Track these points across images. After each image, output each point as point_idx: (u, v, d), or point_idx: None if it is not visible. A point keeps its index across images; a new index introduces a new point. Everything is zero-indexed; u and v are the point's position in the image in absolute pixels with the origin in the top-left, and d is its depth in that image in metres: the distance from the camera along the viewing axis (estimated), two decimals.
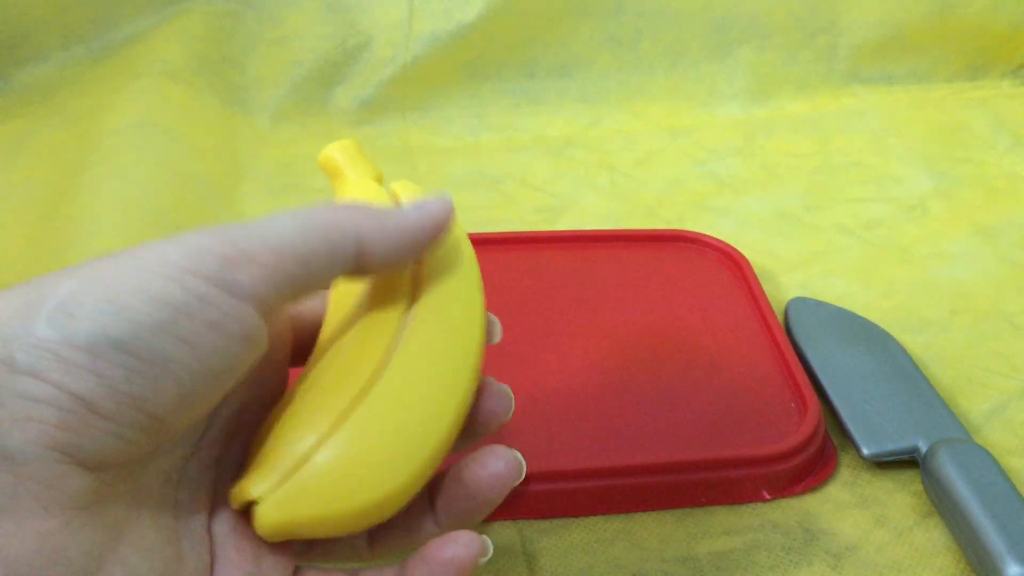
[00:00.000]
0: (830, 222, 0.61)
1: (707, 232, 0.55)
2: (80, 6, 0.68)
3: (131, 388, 0.21)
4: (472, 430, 0.28)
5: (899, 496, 0.40)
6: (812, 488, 0.40)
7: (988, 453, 0.39)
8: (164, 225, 0.53)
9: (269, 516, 0.24)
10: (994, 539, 0.35)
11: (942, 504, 0.38)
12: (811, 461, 0.40)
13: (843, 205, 0.62)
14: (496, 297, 0.48)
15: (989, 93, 0.77)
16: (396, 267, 0.26)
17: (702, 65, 0.75)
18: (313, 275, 0.24)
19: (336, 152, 0.32)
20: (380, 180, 0.32)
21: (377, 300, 0.27)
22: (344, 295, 0.29)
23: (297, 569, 0.27)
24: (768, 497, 0.39)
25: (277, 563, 0.26)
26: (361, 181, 0.31)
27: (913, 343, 0.49)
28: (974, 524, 0.36)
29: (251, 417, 0.27)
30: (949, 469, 0.38)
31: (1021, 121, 0.73)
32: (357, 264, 0.25)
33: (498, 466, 0.27)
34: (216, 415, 0.26)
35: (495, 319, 0.30)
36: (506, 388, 0.29)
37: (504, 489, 0.27)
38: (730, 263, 0.53)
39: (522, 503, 0.38)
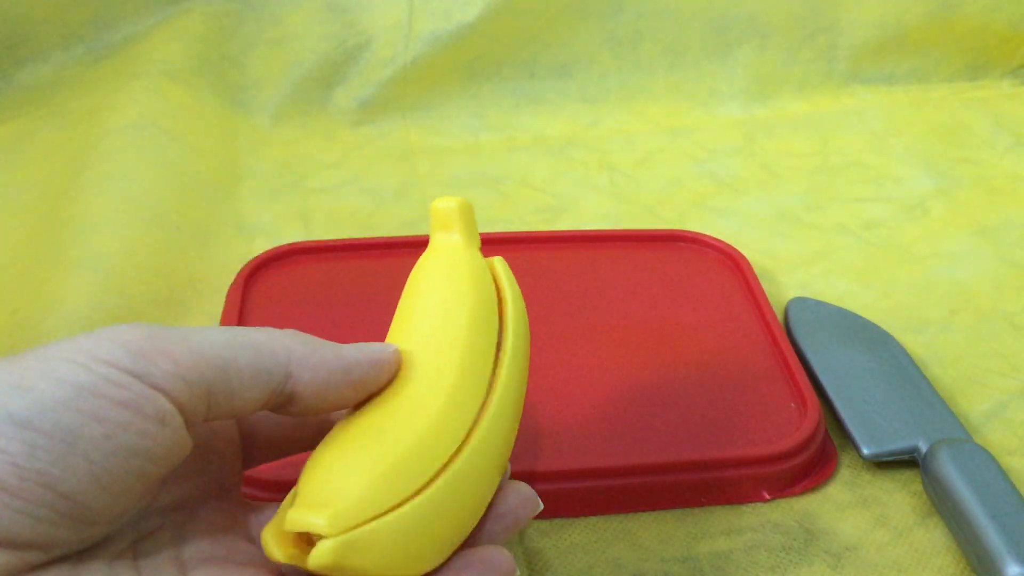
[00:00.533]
0: (830, 222, 0.61)
1: (707, 232, 0.55)
2: (80, 6, 0.68)
3: (34, 463, 0.21)
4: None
5: (899, 496, 0.40)
6: (812, 488, 0.40)
7: (988, 453, 0.39)
8: (164, 225, 0.53)
9: (328, 556, 0.24)
10: (994, 539, 0.35)
11: (942, 504, 0.38)
12: (811, 461, 0.40)
13: (843, 205, 0.62)
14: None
15: (989, 93, 0.77)
16: (327, 405, 0.26)
17: (702, 65, 0.75)
18: (234, 389, 0.24)
19: (455, 210, 0.31)
20: (478, 242, 0.32)
21: (471, 343, 0.28)
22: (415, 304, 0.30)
23: None
24: (768, 497, 0.39)
25: None
26: (468, 247, 0.31)
27: (913, 343, 0.49)
28: (974, 524, 0.36)
29: (200, 520, 0.27)
30: (949, 469, 0.38)
31: (1021, 121, 0.73)
32: (284, 390, 0.25)
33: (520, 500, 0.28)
34: (156, 502, 0.26)
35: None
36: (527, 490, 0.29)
37: (520, 524, 0.28)
38: (730, 263, 0.53)
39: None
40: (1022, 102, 0.76)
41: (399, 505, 0.25)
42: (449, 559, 0.26)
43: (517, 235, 0.54)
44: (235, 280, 0.48)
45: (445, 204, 0.31)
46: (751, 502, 0.39)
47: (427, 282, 0.30)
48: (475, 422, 0.27)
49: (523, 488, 0.29)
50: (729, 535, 0.38)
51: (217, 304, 0.47)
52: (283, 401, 0.25)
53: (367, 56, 0.70)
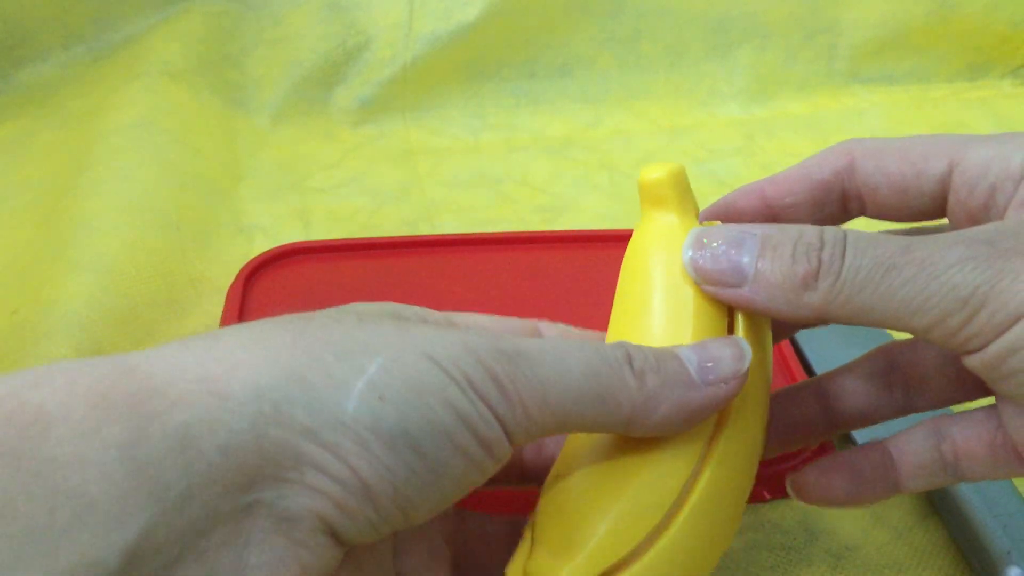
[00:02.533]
0: None
1: None
2: (80, 6, 0.68)
3: (408, 489, 0.21)
4: None
5: (899, 496, 0.40)
6: None
7: None
8: (164, 225, 0.52)
9: None
10: (994, 539, 0.35)
11: (942, 504, 0.38)
12: (811, 461, 0.40)
13: None
14: (496, 297, 0.48)
15: (989, 93, 0.77)
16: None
17: (702, 65, 0.75)
18: (566, 430, 0.24)
19: (666, 181, 0.28)
20: (696, 214, 0.29)
21: None
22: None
23: None
24: (768, 497, 0.39)
25: None
26: (684, 224, 0.28)
27: None
28: (974, 524, 0.36)
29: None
30: None
31: (1021, 121, 0.73)
32: (620, 431, 0.25)
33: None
34: None
35: None
36: None
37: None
38: None
39: (522, 502, 0.38)
40: (1022, 102, 0.76)
41: (643, 546, 0.24)
42: None
43: (517, 235, 0.54)
44: (235, 280, 0.48)
45: (655, 176, 0.28)
46: (751, 502, 0.39)
47: (643, 276, 0.28)
48: (712, 438, 0.26)
49: None
50: None
51: (217, 304, 0.47)
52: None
53: (367, 56, 0.70)
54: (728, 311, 0.27)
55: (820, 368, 0.45)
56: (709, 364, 0.25)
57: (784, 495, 0.40)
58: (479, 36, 0.70)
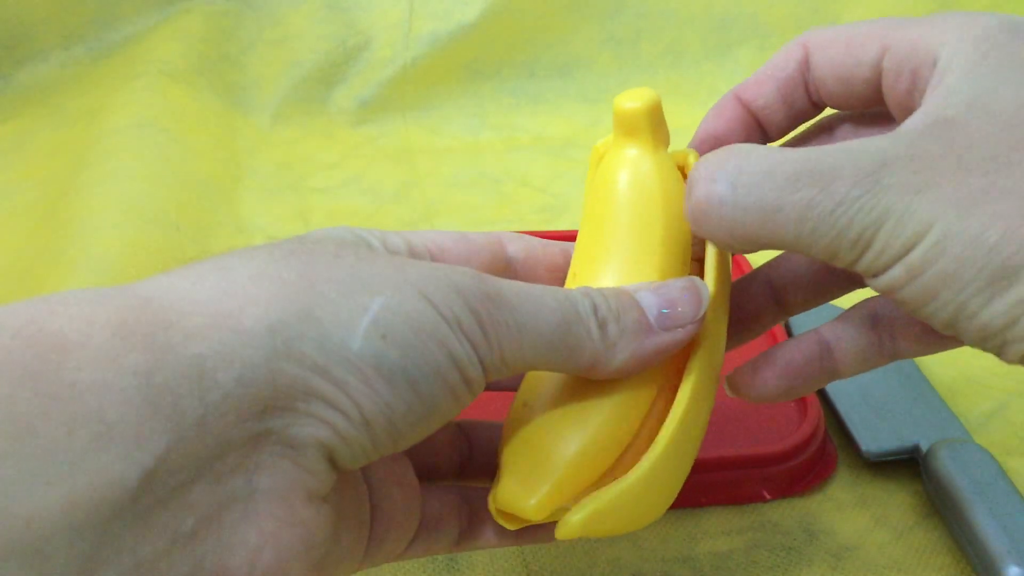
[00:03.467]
0: None
1: None
2: (80, 6, 0.68)
3: (403, 424, 0.22)
4: None
5: (899, 496, 0.40)
6: (812, 488, 0.40)
7: (988, 453, 0.39)
8: (164, 225, 0.53)
9: (575, 529, 0.25)
10: (994, 539, 0.35)
11: (942, 504, 0.38)
12: (811, 461, 0.40)
13: None
14: None
15: None
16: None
17: (702, 65, 0.75)
18: (527, 371, 0.25)
19: (642, 112, 0.29)
20: (667, 143, 0.30)
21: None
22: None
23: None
24: (768, 497, 0.39)
25: (414, 495, 0.28)
26: (655, 155, 0.29)
27: None
28: (974, 524, 0.36)
29: None
30: (949, 469, 0.38)
31: None
32: (581, 374, 0.26)
33: None
34: None
35: None
36: None
37: None
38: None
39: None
40: None
41: (606, 477, 0.26)
42: None
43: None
44: None
45: (631, 105, 0.29)
46: (751, 502, 0.39)
47: (613, 206, 0.29)
48: (674, 372, 0.27)
49: None
50: (729, 535, 0.38)
51: None
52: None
53: (367, 56, 0.70)
54: (692, 243, 0.28)
55: None
56: (666, 311, 0.26)
57: (784, 495, 0.40)
58: (479, 36, 0.70)
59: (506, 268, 0.31)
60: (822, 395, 0.44)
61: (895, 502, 0.40)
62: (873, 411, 0.42)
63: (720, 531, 0.38)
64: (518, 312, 0.24)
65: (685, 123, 0.76)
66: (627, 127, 0.29)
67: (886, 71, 0.27)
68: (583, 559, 0.36)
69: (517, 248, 0.31)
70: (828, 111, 0.30)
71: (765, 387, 0.29)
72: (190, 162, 0.60)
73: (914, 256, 0.23)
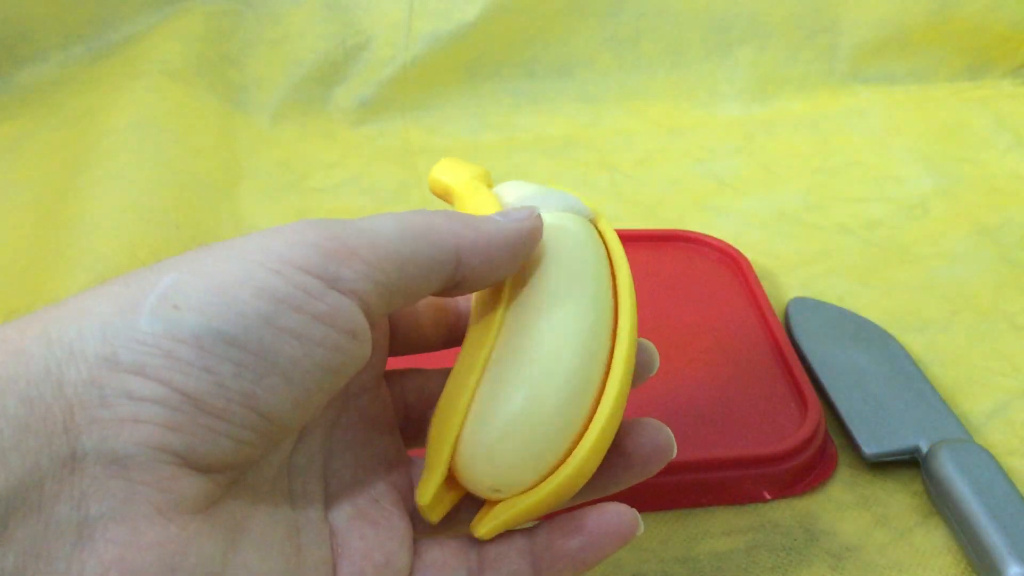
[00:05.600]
0: (830, 222, 0.60)
1: (707, 232, 0.55)
2: (80, 6, 0.68)
3: (241, 384, 0.20)
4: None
5: (899, 496, 0.40)
6: (813, 488, 0.40)
7: (988, 453, 0.39)
8: (164, 225, 0.52)
9: (487, 535, 0.26)
10: (994, 539, 0.35)
11: (943, 504, 0.38)
12: (811, 461, 0.40)
13: (843, 205, 0.62)
14: None
15: (990, 93, 0.77)
16: (492, 280, 0.26)
17: (702, 65, 0.75)
18: (411, 281, 0.23)
19: (441, 175, 0.32)
20: (488, 180, 0.32)
21: (486, 306, 0.28)
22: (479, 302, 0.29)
23: (417, 543, 0.26)
24: (768, 497, 0.39)
25: (402, 546, 0.25)
26: (473, 196, 0.31)
27: (913, 343, 0.49)
28: (974, 524, 0.36)
29: (352, 410, 0.27)
30: (949, 469, 0.38)
31: (1022, 121, 0.73)
32: (454, 277, 0.24)
33: (659, 438, 0.28)
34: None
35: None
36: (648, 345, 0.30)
37: (662, 462, 0.28)
38: (730, 263, 0.53)
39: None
40: (1022, 102, 0.76)
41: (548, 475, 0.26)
42: (571, 513, 0.27)
43: None
44: None
45: (431, 179, 0.32)
46: (751, 502, 0.39)
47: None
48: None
49: (657, 431, 0.28)
50: (729, 535, 0.38)
51: None
52: (451, 287, 0.25)
53: (367, 56, 0.70)
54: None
55: (813, 356, 0.45)
56: (511, 212, 0.26)
57: (784, 495, 0.40)
58: (479, 36, 0.70)
59: (458, 318, 0.30)
60: (822, 395, 0.44)
61: (895, 502, 0.40)
62: (873, 411, 0.42)
63: (720, 531, 0.38)
64: (360, 221, 0.23)
65: (685, 123, 0.76)
66: (440, 194, 0.32)
67: None
68: None
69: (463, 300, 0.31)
70: None
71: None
72: (190, 162, 0.60)
73: None
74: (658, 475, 0.38)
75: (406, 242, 0.23)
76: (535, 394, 0.26)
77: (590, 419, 0.26)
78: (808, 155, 0.69)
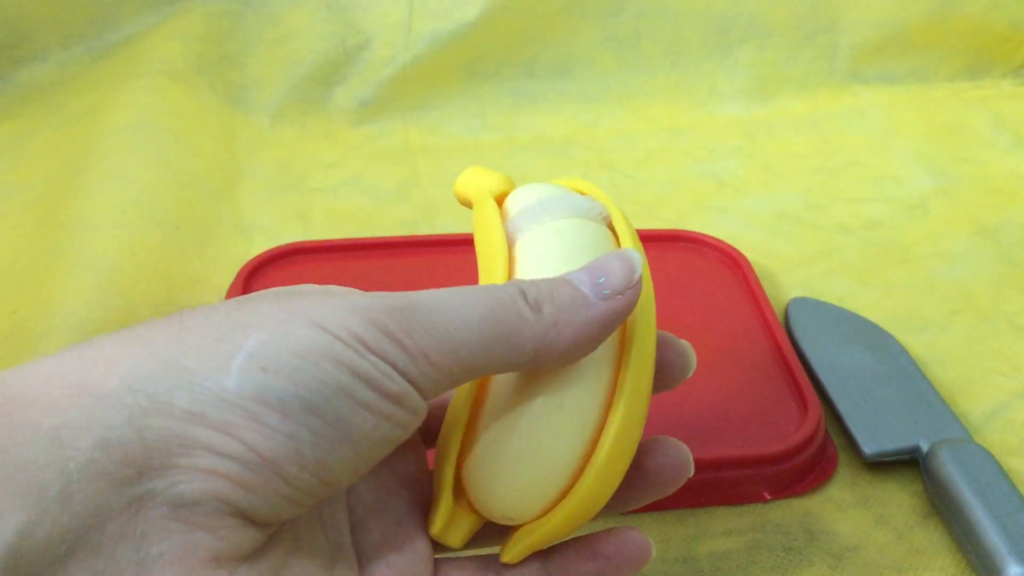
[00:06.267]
0: (830, 222, 0.60)
1: (707, 232, 0.55)
2: (80, 6, 0.68)
3: (316, 453, 0.21)
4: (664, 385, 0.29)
5: (899, 496, 0.40)
6: (813, 488, 0.40)
7: (988, 453, 0.39)
8: (164, 225, 0.52)
9: (514, 559, 0.26)
10: (994, 539, 0.35)
11: (943, 504, 0.38)
12: (812, 461, 0.40)
13: (843, 205, 0.62)
14: None
15: (990, 93, 0.77)
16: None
17: (702, 65, 0.75)
18: (476, 374, 0.24)
19: (462, 187, 0.33)
20: (510, 186, 0.32)
21: None
22: None
23: (436, 563, 0.27)
24: (768, 497, 0.39)
25: (425, 570, 0.26)
26: (482, 222, 0.31)
27: (913, 343, 0.49)
28: (975, 524, 0.36)
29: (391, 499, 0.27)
30: (950, 469, 0.38)
31: (1022, 121, 0.73)
32: (531, 367, 0.25)
33: (678, 458, 0.28)
34: None
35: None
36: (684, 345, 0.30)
37: (680, 481, 0.28)
38: (730, 263, 0.53)
39: None
40: (1022, 102, 0.76)
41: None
42: (587, 538, 0.27)
43: None
44: (235, 280, 0.48)
45: (455, 192, 0.33)
46: (751, 502, 0.39)
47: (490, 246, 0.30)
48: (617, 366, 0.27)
49: (676, 451, 0.28)
50: (729, 535, 0.38)
51: None
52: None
53: (367, 56, 0.70)
54: None
55: (813, 356, 0.45)
56: (601, 280, 0.25)
57: (784, 495, 0.40)
58: (479, 36, 0.70)
59: None
60: (822, 395, 0.44)
61: (895, 502, 0.40)
62: (873, 411, 0.42)
63: (720, 531, 0.38)
64: (435, 313, 0.23)
65: (685, 123, 0.76)
66: (464, 203, 0.33)
67: None
68: None
69: None
70: None
71: None
72: (190, 162, 0.60)
73: None
74: None
75: (483, 346, 0.23)
76: (536, 422, 0.25)
77: (597, 441, 0.26)
78: (808, 155, 0.69)
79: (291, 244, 0.51)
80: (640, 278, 0.25)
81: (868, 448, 0.41)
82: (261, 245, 0.53)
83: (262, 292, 0.24)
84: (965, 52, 0.78)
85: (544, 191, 0.30)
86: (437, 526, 0.26)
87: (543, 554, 0.27)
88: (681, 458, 0.28)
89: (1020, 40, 0.78)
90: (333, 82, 0.70)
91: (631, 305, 0.25)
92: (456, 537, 0.27)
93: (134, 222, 0.51)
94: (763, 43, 0.75)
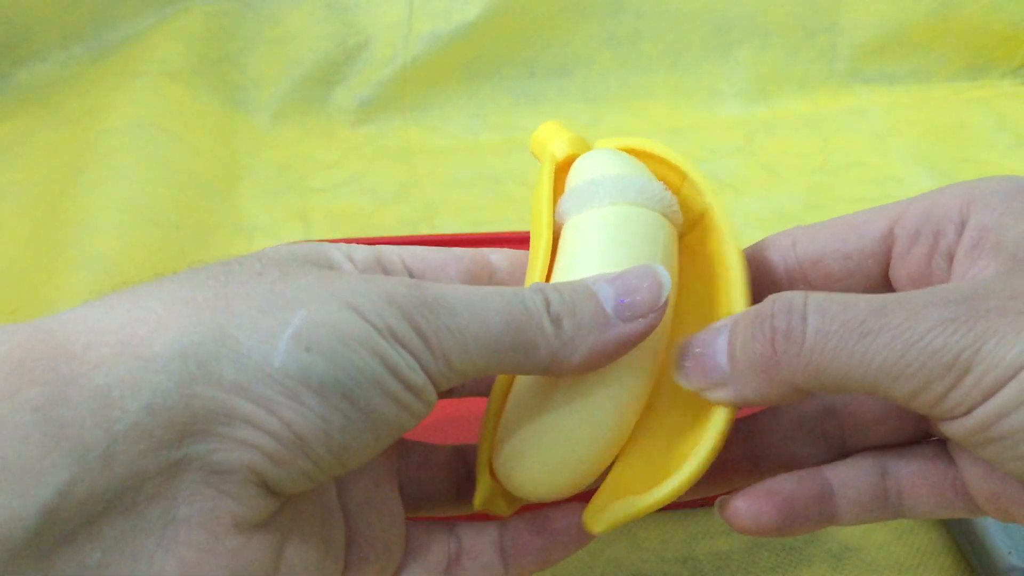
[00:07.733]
0: None
1: None
2: (80, 6, 0.68)
3: (344, 437, 0.22)
4: None
5: None
6: None
7: None
8: (164, 225, 0.52)
9: (599, 530, 0.27)
10: (995, 539, 0.35)
11: None
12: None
13: (843, 205, 0.62)
14: None
15: (990, 93, 0.77)
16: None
17: (702, 64, 0.75)
18: (487, 375, 0.25)
19: (536, 146, 0.33)
20: (582, 147, 0.33)
21: None
22: None
23: (408, 525, 0.28)
24: None
25: (399, 532, 0.27)
26: (544, 187, 0.32)
27: None
28: (974, 524, 0.36)
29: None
30: None
31: (1022, 121, 0.73)
32: (540, 374, 0.26)
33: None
34: None
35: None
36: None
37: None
38: None
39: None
40: (1022, 102, 0.76)
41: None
42: (541, 511, 0.29)
43: (517, 235, 0.54)
44: None
45: (532, 140, 0.33)
46: None
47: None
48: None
49: None
50: (729, 535, 0.38)
51: None
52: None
53: (367, 56, 0.70)
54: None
55: None
56: (626, 300, 0.25)
57: None
58: (479, 36, 0.70)
59: (489, 279, 0.30)
60: None
61: None
62: None
63: (720, 531, 0.38)
64: (460, 316, 0.23)
65: (685, 123, 0.76)
66: (537, 155, 0.33)
67: (899, 238, 0.27)
68: (583, 559, 0.36)
69: (500, 258, 0.30)
70: None
71: (758, 520, 0.27)
72: (190, 162, 0.60)
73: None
74: None
75: (499, 353, 0.24)
76: (562, 412, 0.26)
77: (626, 429, 0.27)
78: (808, 155, 0.69)
79: (291, 244, 0.51)
80: (666, 302, 0.25)
81: None
82: (261, 245, 0.53)
83: (298, 257, 0.25)
84: (965, 52, 0.78)
85: (605, 166, 0.29)
86: (477, 501, 0.27)
87: (502, 524, 0.28)
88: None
89: (1020, 40, 0.78)
90: (333, 82, 0.70)
91: (651, 329, 0.25)
92: (501, 507, 0.28)
93: (134, 222, 0.51)
94: (763, 43, 0.75)
